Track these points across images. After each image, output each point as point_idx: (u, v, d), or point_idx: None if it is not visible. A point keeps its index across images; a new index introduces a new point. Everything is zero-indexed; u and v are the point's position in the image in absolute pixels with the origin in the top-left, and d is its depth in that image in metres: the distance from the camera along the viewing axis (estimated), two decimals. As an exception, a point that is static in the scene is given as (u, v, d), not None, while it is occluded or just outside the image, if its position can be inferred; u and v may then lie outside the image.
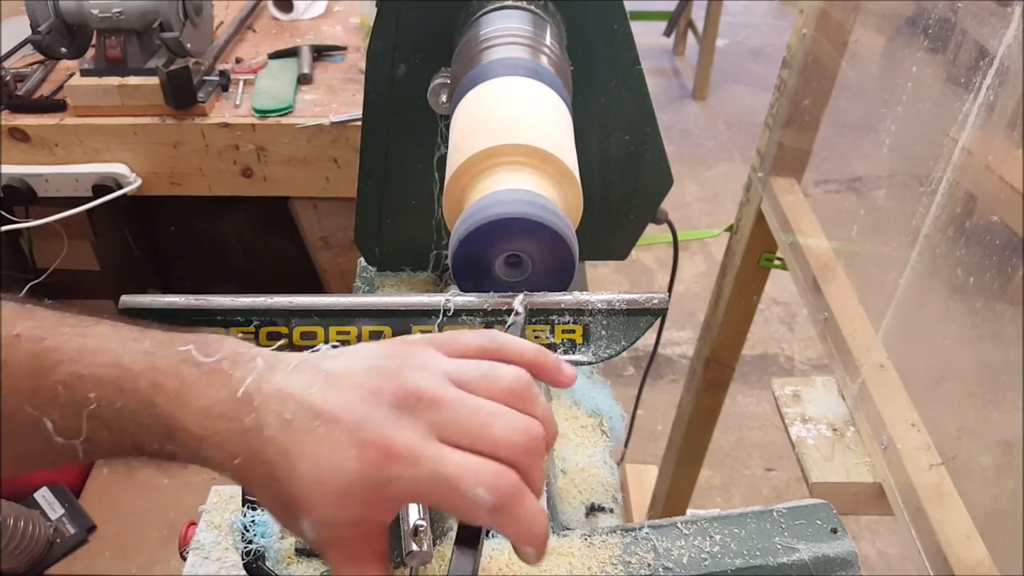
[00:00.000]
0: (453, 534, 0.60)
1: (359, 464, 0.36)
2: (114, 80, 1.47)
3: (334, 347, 0.42)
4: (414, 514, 0.52)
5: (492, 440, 0.38)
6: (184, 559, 0.72)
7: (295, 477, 0.37)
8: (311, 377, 0.39)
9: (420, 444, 0.37)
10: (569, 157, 0.60)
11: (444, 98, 0.77)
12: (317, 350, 0.42)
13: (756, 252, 1.34)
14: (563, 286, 0.55)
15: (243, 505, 0.61)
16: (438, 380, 0.39)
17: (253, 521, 0.61)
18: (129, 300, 0.51)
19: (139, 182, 1.53)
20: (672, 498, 1.71)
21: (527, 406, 0.40)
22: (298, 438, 0.37)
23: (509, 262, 0.55)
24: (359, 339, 0.51)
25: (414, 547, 0.54)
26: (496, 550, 0.59)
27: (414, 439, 0.37)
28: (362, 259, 0.96)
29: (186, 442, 0.38)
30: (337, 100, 1.56)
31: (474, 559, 0.40)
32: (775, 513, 0.58)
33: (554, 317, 0.54)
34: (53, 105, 1.51)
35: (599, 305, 0.52)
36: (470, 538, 0.41)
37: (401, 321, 0.52)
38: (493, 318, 0.54)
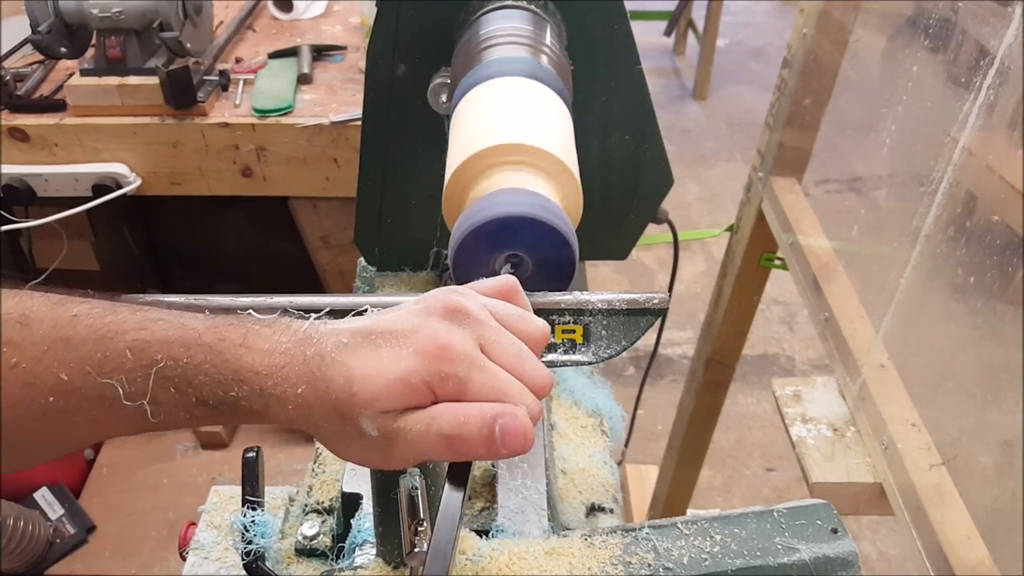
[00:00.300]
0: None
1: (417, 358, 0.40)
2: (114, 80, 1.47)
3: None
4: (414, 514, 0.52)
5: (522, 374, 0.42)
6: (184, 559, 0.72)
7: (354, 378, 0.40)
8: (362, 319, 0.43)
9: (473, 352, 0.41)
10: (569, 157, 0.60)
11: (444, 98, 0.77)
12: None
13: (757, 252, 1.34)
14: (563, 286, 0.55)
15: (243, 505, 0.61)
16: (480, 307, 0.43)
17: (253, 521, 0.61)
18: (129, 300, 0.51)
19: (139, 182, 1.53)
20: (672, 498, 1.71)
21: (539, 357, 0.44)
22: (356, 351, 0.41)
23: (509, 262, 0.55)
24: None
25: (415, 547, 0.54)
26: (496, 550, 0.59)
27: (467, 345, 0.41)
28: (362, 259, 0.96)
29: (251, 381, 0.40)
30: (337, 100, 1.56)
31: (463, 494, 0.43)
32: (775, 513, 0.57)
33: (554, 317, 0.54)
34: (53, 105, 1.51)
35: (599, 305, 0.52)
36: (460, 474, 0.44)
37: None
38: (493, 318, 0.54)
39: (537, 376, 0.43)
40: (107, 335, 0.40)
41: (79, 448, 0.43)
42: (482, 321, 0.43)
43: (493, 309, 0.44)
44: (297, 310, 0.51)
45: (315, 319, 0.43)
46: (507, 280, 0.48)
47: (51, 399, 0.39)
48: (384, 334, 0.41)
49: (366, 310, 0.47)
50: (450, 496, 0.43)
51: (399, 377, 0.40)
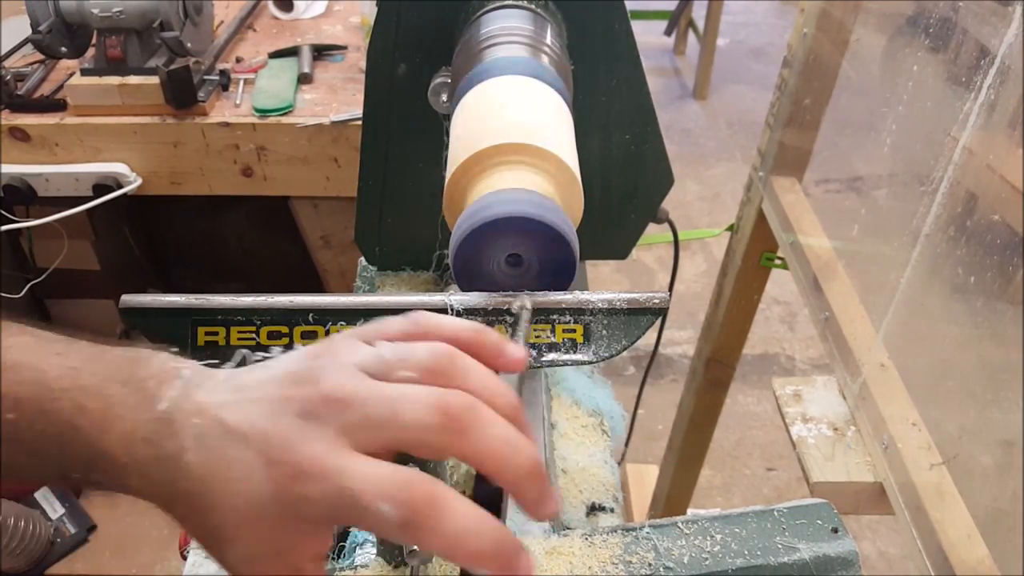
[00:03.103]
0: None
1: (269, 486, 0.34)
2: (114, 79, 1.47)
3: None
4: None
5: (401, 427, 0.34)
6: (185, 558, 0.72)
7: (214, 507, 0.34)
8: (226, 389, 0.36)
9: (327, 456, 0.34)
10: (570, 156, 0.60)
11: (444, 97, 0.77)
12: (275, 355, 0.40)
13: (757, 251, 1.34)
14: (564, 286, 0.55)
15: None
16: (350, 376, 0.36)
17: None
18: (129, 300, 0.51)
19: (139, 181, 1.53)
20: (673, 498, 1.71)
21: (453, 380, 0.36)
22: (212, 462, 0.35)
23: (510, 262, 0.55)
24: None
25: (415, 547, 0.54)
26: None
27: (321, 451, 0.34)
28: (362, 259, 0.96)
29: (110, 471, 0.35)
30: (337, 99, 1.56)
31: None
32: (776, 513, 0.57)
33: (555, 317, 0.54)
34: (53, 104, 1.51)
35: (600, 304, 0.51)
36: (490, 499, 0.38)
37: (401, 321, 0.52)
38: (494, 318, 0.54)
39: (418, 416, 0.35)
40: None
41: None
42: (346, 400, 0.35)
43: (373, 362, 0.37)
44: (297, 309, 0.51)
45: (190, 376, 0.37)
46: (414, 320, 0.40)
47: None
48: (240, 439, 0.35)
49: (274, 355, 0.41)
50: None
51: (256, 516, 0.34)
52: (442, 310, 0.54)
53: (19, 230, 1.56)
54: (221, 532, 0.35)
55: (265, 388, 0.36)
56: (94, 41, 1.50)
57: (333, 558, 0.66)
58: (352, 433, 0.35)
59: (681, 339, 2.58)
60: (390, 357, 0.37)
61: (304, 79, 1.62)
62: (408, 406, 0.35)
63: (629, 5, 0.78)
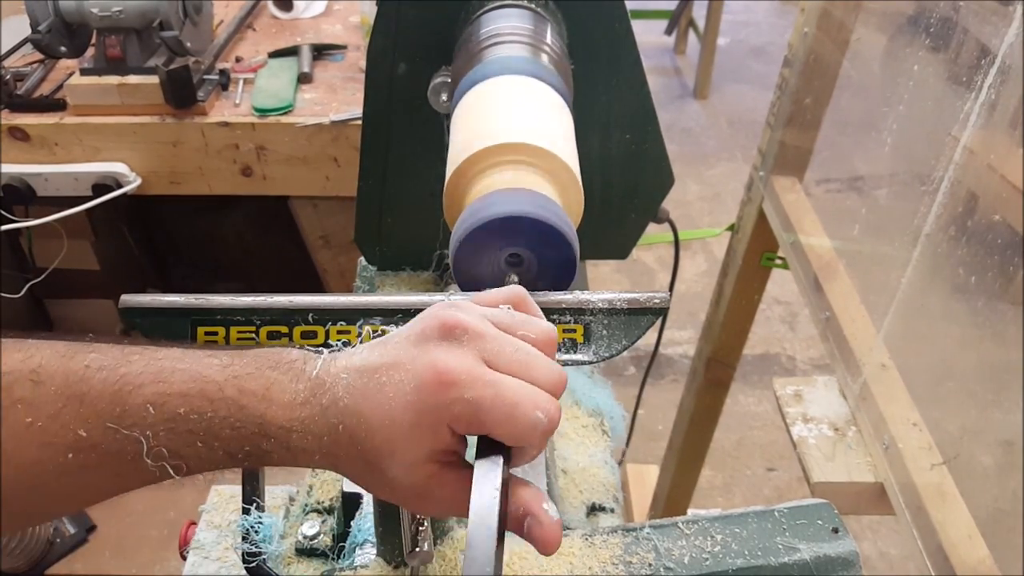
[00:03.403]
0: (454, 534, 0.60)
1: (420, 394, 0.39)
2: (114, 79, 1.47)
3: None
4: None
5: (534, 378, 0.41)
6: (184, 559, 0.71)
7: (372, 429, 0.39)
8: (364, 349, 0.42)
9: (476, 368, 0.39)
10: (570, 156, 0.60)
11: (444, 97, 0.77)
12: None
13: (757, 251, 1.33)
14: (564, 285, 0.55)
15: (243, 503, 0.61)
16: (478, 318, 0.42)
17: (260, 522, 0.61)
18: (129, 299, 0.51)
19: (139, 181, 1.53)
20: (673, 498, 1.71)
21: (552, 357, 0.43)
22: (366, 396, 0.40)
23: (510, 262, 0.55)
24: (359, 339, 0.51)
25: (415, 547, 0.54)
26: (497, 550, 0.59)
27: (468, 364, 0.39)
28: (362, 258, 0.96)
29: (278, 436, 0.40)
30: (337, 99, 1.56)
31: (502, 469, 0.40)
32: (776, 513, 0.57)
33: (555, 316, 0.53)
34: (53, 104, 1.51)
35: (600, 304, 0.51)
36: (491, 449, 0.41)
37: (402, 321, 0.52)
38: (494, 317, 0.54)
39: (549, 376, 0.41)
40: (124, 389, 0.39)
41: (96, 503, 0.42)
42: (482, 333, 0.41)
43: (494, 318, 0.43)
44: (297, 309, 0.51)
45: (327, 355, 0.42)
46: (513, 290, 0.47)
47: (70, 456, 0.38)
48: (386, 369, 0.40)
49: (382, 332, 0.46)
50: (485, 486, 0.39)
51: (411, 423, 0.39)
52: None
53: (19, 230, 1.56)
54: (383, 449, 0.39)
55: (401, 334, 0.42)
56: (94, 41, 1.50)
57: (333, 558, 0.66)
58: (488, 358, 0.40)
59: (681, 339, 2.58)
60: (517, 319, 0.43)
61: (304, 79, 1.61)
62: (541, 364, 0.41)
63: (629, 4, 0.78)
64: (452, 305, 0.43)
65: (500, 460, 0.40)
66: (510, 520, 0.41)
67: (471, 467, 0.41)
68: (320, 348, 0.44)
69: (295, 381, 0.41)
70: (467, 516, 0.38)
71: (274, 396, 0.40)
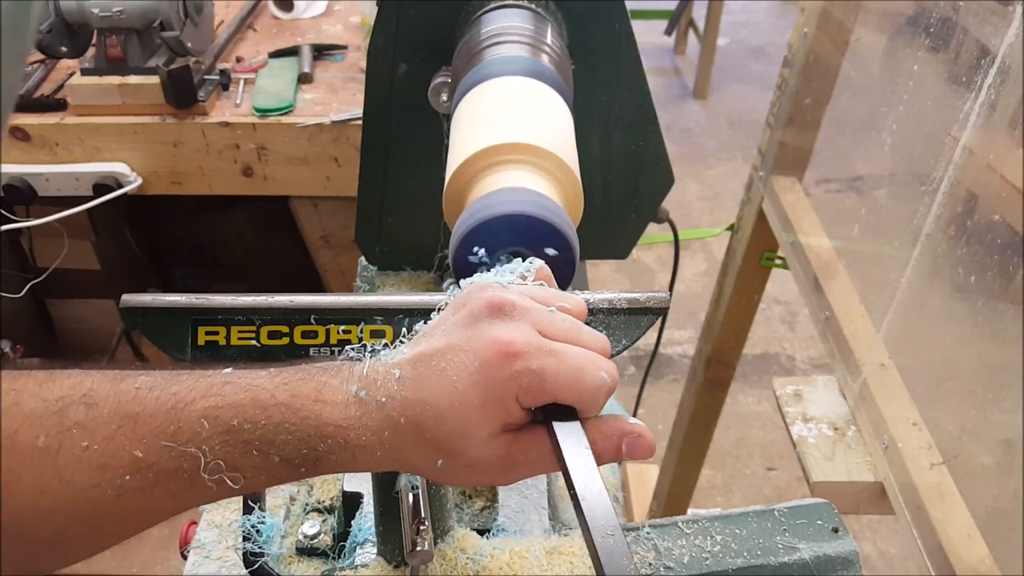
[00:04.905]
0: (454, 534, 0.60)
1: (485, 371, 0.39)
2: (114, 79, 1.47)
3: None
4: (415, 512, 0.52)
5: (586, 344, 0.42)
6: (185, 558, 0.72)
7: (442, 414, 0.39)
8: (411, 344, 0.43)
9: (535, 339, 0.40)
10: (570, 156, 0.60)
11: (445, 97, 0.77)
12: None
13: (757, 251, 1.33)
14: (564, 285, 0.55)
15: (244, 502, 0.61)
16: (519, 295, 0.43)
17: (262, 521, 0.61)
18: (130, 299, 0.51)
19: (139, 181, 1.53)
20: (673, 497, 1.71)
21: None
22: (426, 384, 0.40)
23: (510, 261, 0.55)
24: (360, 339, 0.51)
25: (415, 547, 0.54)
26: (497, 549, 0.59)
27: (527, 335, 0.40)
28: (363, 258, 0.96)
29: (335, 435, 0.40)
30: (338, 99, 1.56)
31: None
32: (776, 512, 0.57)
33: (555, 316, 0.53)
34: (53, 104, 1.51)
35: (600, 304, 0.51)
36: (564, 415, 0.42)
37: (402, 320, 0.52)
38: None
39: (597, 341, 0.43)
40: (176, 406, 0.39)
41: (151, 526, 0.42)
42: (529, 308, 0.42)
43: (531, 293, 0.44)
44: (297, 309, 0.51)
45: (368, 355, 0.43)
46: (541, 266, 0.48)
47: (127, 478, 0.38)
48: (442, 354, 0.40)
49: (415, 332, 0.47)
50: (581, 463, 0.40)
51: (481, 401, 0.39)
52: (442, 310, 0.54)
53: (19, 230, 1.56)
54: (457, 431, 0.40)
55: (446, 321, 0.43)
56: (94, 41, 1.50)
57: (333, 557, 0.66)
58: (540, 328, 0.41)
59: (681, 339, 2.58)
60: (549, 293, 0.45)
61: (304, 79, 1.62)
62: (584, 327, 0.43)
63: (629, 5, 0.79)
64: (488, 286, 0.44)
65: (576, 423, 0.41)
66: (607, 453, 0.42)
67: (540, 423, 0.42)
68: (356, 348, 0.45)
69: (346, 382, 0.41)
70: (557, 471, 0.40)
71: (327, 397, 0.40)
